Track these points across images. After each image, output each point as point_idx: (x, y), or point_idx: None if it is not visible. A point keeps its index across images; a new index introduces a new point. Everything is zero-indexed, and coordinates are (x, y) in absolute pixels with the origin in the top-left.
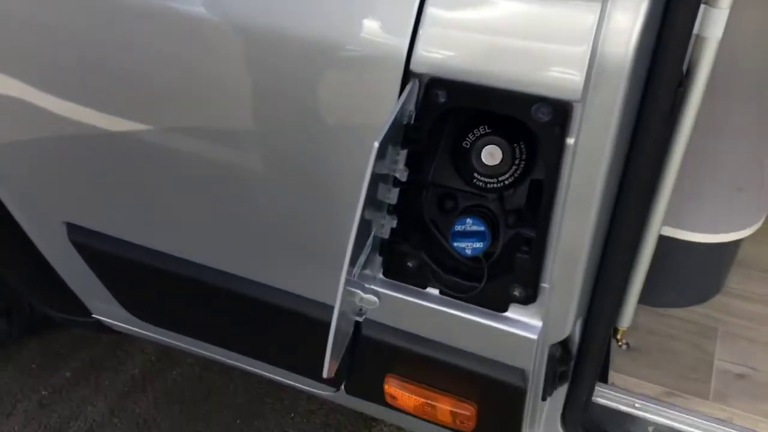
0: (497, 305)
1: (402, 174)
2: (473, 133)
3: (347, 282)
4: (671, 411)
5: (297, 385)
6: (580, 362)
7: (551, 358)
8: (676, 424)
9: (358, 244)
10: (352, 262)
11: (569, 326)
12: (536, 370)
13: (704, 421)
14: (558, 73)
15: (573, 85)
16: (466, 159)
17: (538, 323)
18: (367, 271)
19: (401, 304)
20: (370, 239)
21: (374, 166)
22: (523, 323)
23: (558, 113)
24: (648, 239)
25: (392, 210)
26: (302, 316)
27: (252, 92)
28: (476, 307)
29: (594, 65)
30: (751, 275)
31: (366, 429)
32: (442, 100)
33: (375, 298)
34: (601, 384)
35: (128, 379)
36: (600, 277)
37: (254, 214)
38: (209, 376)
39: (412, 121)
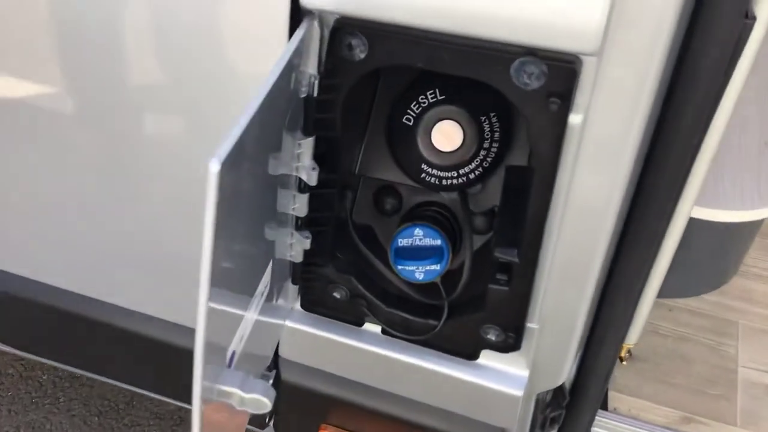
0: (464, 351)
1: (309, 175)
2: (418, 102)
3: (208, 377)
4: None
5: None
6: (575, 399)
7: (539, 404)
8: None
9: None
10: (210, 357)
11: (566, 372)
12: (520, 425)
13: None
14: (559, 3)
15: (586, 26)
16: (408, 143)
17: (522, 373)
18: (280, 302)
19: (329, 344)
20: (268, 269)
21: (218, 195)
22: (502, 374)
23: (557, 75)
24: (673, 233)
25: (303, 224)
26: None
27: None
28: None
29: None
30: None
31: None
32: (360, 54)
33: (265, 400)
34: (601, 411)
35: (36, 388)
36: (607, 296)
37: (91, 220)
38: None
39: (315, 92)
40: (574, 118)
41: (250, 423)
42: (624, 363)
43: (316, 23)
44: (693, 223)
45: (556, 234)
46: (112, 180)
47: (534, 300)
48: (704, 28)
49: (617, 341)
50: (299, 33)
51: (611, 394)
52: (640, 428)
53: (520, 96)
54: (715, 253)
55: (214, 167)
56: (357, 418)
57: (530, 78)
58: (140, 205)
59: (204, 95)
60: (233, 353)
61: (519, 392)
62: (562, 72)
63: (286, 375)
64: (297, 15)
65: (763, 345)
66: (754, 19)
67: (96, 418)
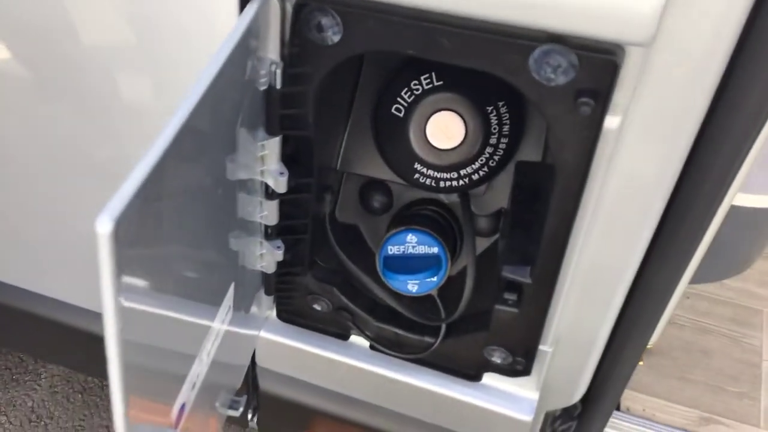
0: (465, 372)
1: (277, 181)
2: (410, 89)
3: None
4: None
5: None
6: (588, 409)
7: (548, 417)
8: None
9: None
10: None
11: (581, 391)
12: None
13: None
14: None
15: (638, 8)
16: (398, 138)
17: (532, 396)
18: (253, 309)
19: (310, 357)
20: (230, 291)
21: (115, 259)
22: (508, 396)
23: (591, 69)
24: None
25: (273, 233)
26: None
27: None
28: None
29: None
30: None
31: None
32: (333, 37)
33: None
34: (613, 412)
35: (16, 364)
36: (634, 300)
37: None
38: None
39: (279, 83)
40: (611, 121)
41: (233, 422)
42: (641, 363)
43: None
44: None
45: (579, 250)
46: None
47: (549, 321)
48: None
49: (640, 347)
50: (251, 9)
51: (624, 392)
52: (654, 430)
53: (541, 93)
54: (740, 237)
55: (104, 227)
56: (342, 429)
57: (555, 72)
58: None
59: (139, 90)
60: (182, 407)
61: (527, 417)
62: (597, 65)
63: (264, 385)
64: None
65: None
66: None
67: (79, 395)
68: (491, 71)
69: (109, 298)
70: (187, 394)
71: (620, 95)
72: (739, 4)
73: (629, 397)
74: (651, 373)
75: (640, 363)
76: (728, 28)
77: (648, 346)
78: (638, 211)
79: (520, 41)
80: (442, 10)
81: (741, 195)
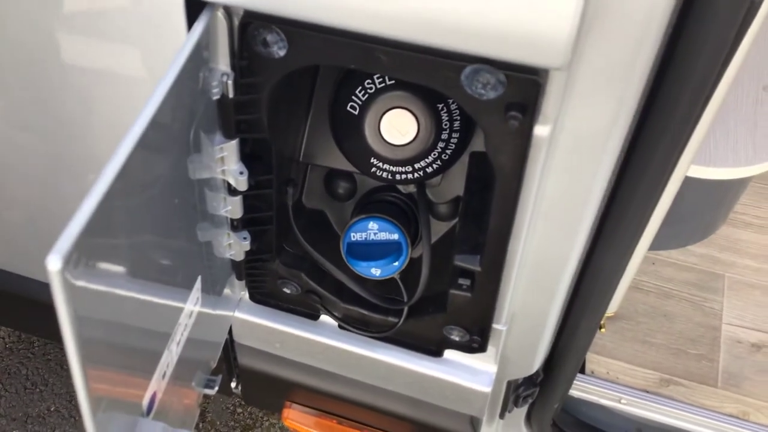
0: (427, 348)
1: (237, 180)
2: (364, 88)
3: None
4: (668, 408)
5: None
6: (550, 376)
7: (511, 385)
8: (677, 422)
9: None
10: (115, 404)
11: (538, 363)
12: (490, 410)
13: (712, 420)
14: (518, 9)
15: (552, 38)
16: (355, 134)
17: (490, 369)
18: (227, 291)
19: (284, 335)
20: (198, 283)
21: (67, 295)
22: (468, 368)
23: (517, 86)
24: (664, 198)
25: (240, 225)
26: None
27: None
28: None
29: None
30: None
31: None
32: (279, 52)
33: None
34: (578, 375)
35: (9, 333)
36: (589, 269)
37: None
38: None
39: (231, 92)
40: (541, 130)
41: (219, 390)
42: (603, 331)
43: (220, 14)
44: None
45: (524, 238)
46: None
47: (500, 302)
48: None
49: (597, 318)
50: (199, 25)
51: (589, 356)
52: (616, 391)
53: (474, 106)
54: (704, 207)
55: (54, 265)
56: (321, 398)
57: (485, 88)
58: None
59: (102, 94)
60: (153, 395)
61: (486, 388)
62: (523, 83)
63: (243, 359)
64: (196, 6)
65: (749, 300)
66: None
67: None
68: (428, 85)
69: (66, 324)
70: (157, 383)
71: (548, 107)
72: (655, 26)
73: (594, 361)
74: (615, 337)
75: (602, 330)
76: (647, 45)
77: (612, 312)
78: (576, 207)
79: (451, 61)
80: (378, 34)
81: (703, 168)
